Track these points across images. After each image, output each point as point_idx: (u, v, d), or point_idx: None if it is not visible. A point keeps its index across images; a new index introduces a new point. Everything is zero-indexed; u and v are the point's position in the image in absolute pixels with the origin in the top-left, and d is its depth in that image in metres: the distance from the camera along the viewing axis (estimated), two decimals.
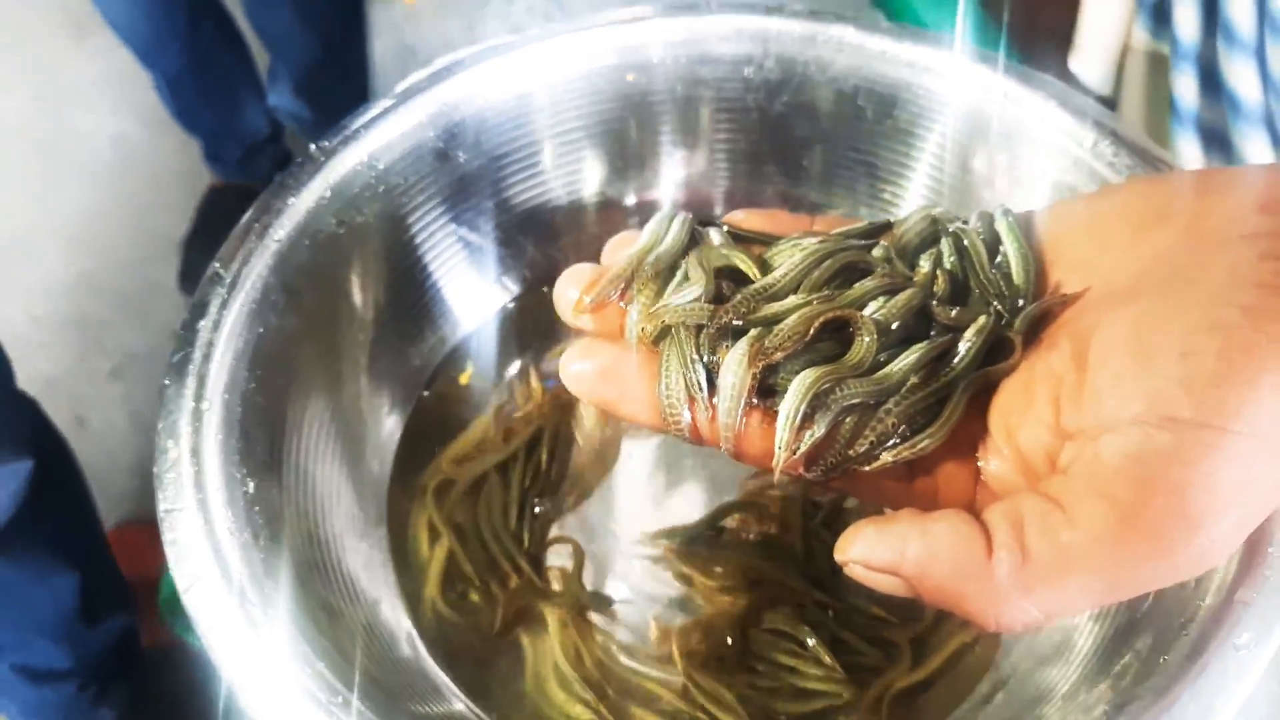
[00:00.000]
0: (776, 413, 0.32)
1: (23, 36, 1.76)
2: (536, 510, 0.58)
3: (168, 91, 1.40)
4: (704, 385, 0.33)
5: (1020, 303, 0.35)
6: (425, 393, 0.60)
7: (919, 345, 0.34)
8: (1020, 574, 0.29)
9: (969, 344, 0.34)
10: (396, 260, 0.57)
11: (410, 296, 0.58)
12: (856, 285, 0.35)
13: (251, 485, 0.44)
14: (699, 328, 0.34)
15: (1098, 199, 0.36)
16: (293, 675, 0.38)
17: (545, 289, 0.37)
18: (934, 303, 0.35)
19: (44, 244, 1.53)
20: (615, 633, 0.55)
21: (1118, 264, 0.33)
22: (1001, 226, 0.37)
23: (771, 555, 0.55)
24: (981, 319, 0.34)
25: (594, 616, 0.55)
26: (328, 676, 0.38)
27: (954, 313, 0.35)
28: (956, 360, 0.34)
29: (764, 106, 0.59)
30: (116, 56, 1.49)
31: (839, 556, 0.32)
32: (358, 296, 0.55)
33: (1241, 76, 0.61)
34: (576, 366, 0.35)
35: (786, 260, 0.36)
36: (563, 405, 0.60)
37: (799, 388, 0.32)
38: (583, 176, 0.61)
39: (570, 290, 0.36)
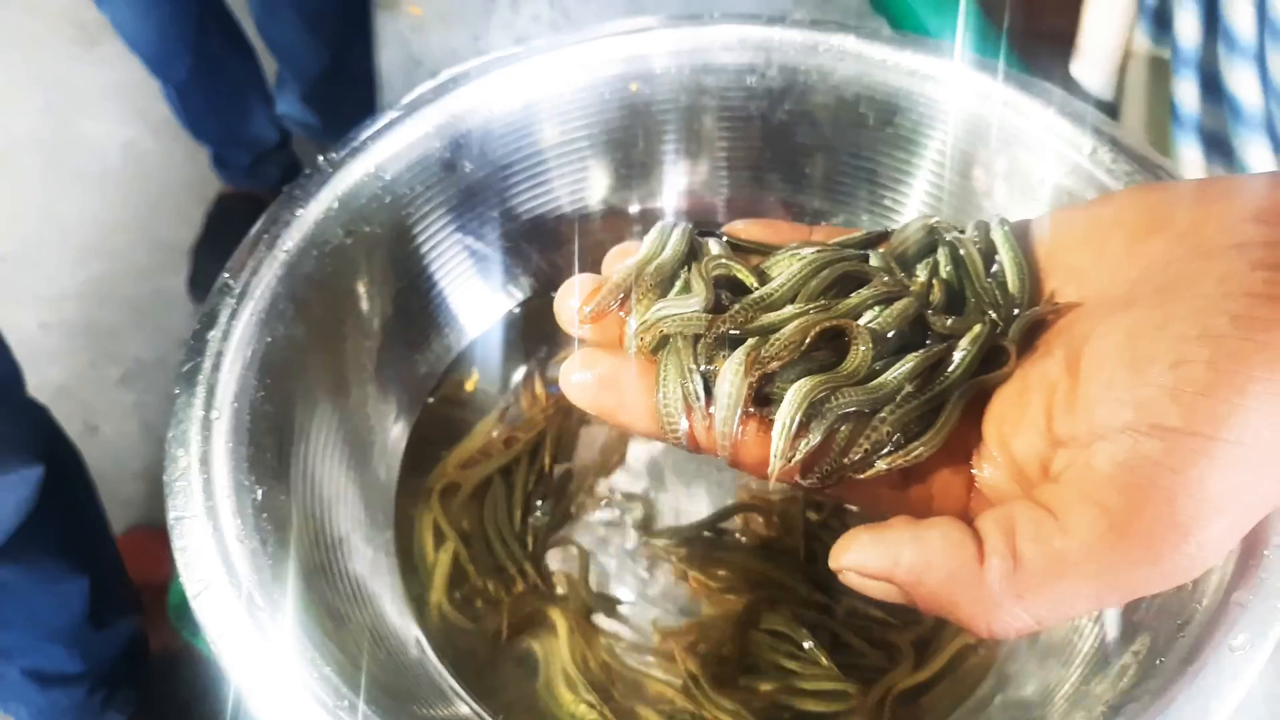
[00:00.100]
0: (773, 421, 0.33)
1: (32, 46, 1.77)
2: (539, 513, 0.59)
3: (176, 100, 1.40)
4: (701, 394, 0.34)
5: (1016, 311, 0.35)
6: (431, 399, 0.60)
7: (914, 354, 0.34)
8: (1012, 580, 0.29)
9: (964, 352, 0.34)
10: (403, 269, 0.57)
11: (417, 305, 0.59)
12: (853, 294, 0.36)
13: (260, 492, 0.44)
14: (697, 337, 0.35)
15: (1093, 208, 0.37)
16: (300, 680, 0.39)
17: (550, 295, 0.38)
18: (930, 312, 0.36)
19: (54, 252, 1.54)
20: (619, 634, 0.55)
21: (1112, 273, 0.33)
22: (997, 236, 0.37)
23: (773, 557, 0.56)
24: (977, 328, 0.35)
25: (598, 619, 0.56)
26: (334, 681, 0.39)
27: (949, 321, 0.35)
28: (951, 368, 0.34)
29: (766, 115, 0.59)
30: (125, 65, 1.50)
31: (834, 564, 0.32)
32: (365, 305, 0.55)
33: (1242, 81, 0.61)
34: (577, 376, 0.35)
35: (784, 270, 0.37)
36: (566, 410, 0.61)
37: (795, 396, 0.33)
38: (587, 185, 0.62)
39: (570, 300, 0.37)
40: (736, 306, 0.35)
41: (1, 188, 1.62)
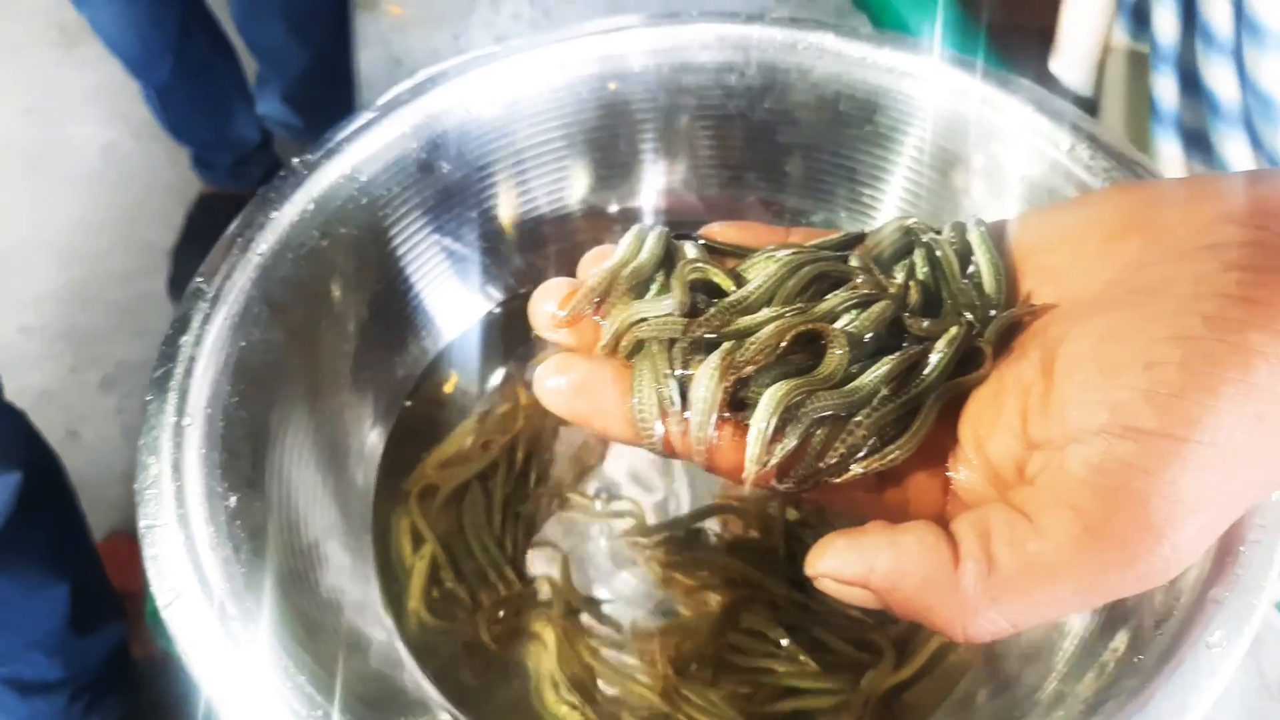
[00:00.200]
0: (748, 426, 0.33)
1: (13, 49, 1.76)
2: (519, 514, 0.58)
3: (158, 102, 1.40)
4: (676, 399, 0.33)
5: (992, 313, 0.35)
6: (409, 402, 0.60)
7: (890, 357, 0.34)
8: (986, 584, 0.29)
9: (940, 355, 0.34)
10: (380, 272, 0.57)
11: (394, 307, 0.58)
12: (829, 297, 0.35)
13: (234, 499, 0.44)
14: (672, 342, 0.34)
15: (1069, 209, 0.36)
16: (273, 689, 0.38)
17: (529, 296, 0.37)
18: (906, 314, 0.35)
19: (35, 255, 1.53)
20: (599, 635, 0.55)
21: (1087, 274, 0.33)
22: (974, 237, 0.37)
23: (753, 557, 0.56)
24: (953, 330, 0.35)
25: (579, 620, 0.55)
26: (308, 689, 0.39)
27: (926, 324, 0.35)
28: (927, 371, 0.34)
29: (746, 113, 0.59)
30: (106, 67, 1.49)
31: (809, 570, 0.32)
32: (341, 308, 0.55)
33: (1219, 77, 0.61)
34: (551, 382, 0.35)
35: (760, 272, 0.36)
36: (544, 411, 0.60)
37: (770, 401, 0.32)
38: (566, 185, 0.61)
39: (546, 304, 0.37)
40: (712, 310, 0.35)
41: None
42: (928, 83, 0.55)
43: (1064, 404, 0.30)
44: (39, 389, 1.39)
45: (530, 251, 0.62)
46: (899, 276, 0.37)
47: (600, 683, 0.54)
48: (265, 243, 0.50)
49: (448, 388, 0.61)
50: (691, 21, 0.57)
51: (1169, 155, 0.68)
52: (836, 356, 0.34)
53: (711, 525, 0.58)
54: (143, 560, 0.40)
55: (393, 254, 0.57)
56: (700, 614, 0.54)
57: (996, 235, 0.37)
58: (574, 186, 0.61)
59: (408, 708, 0.48)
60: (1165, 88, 0.66)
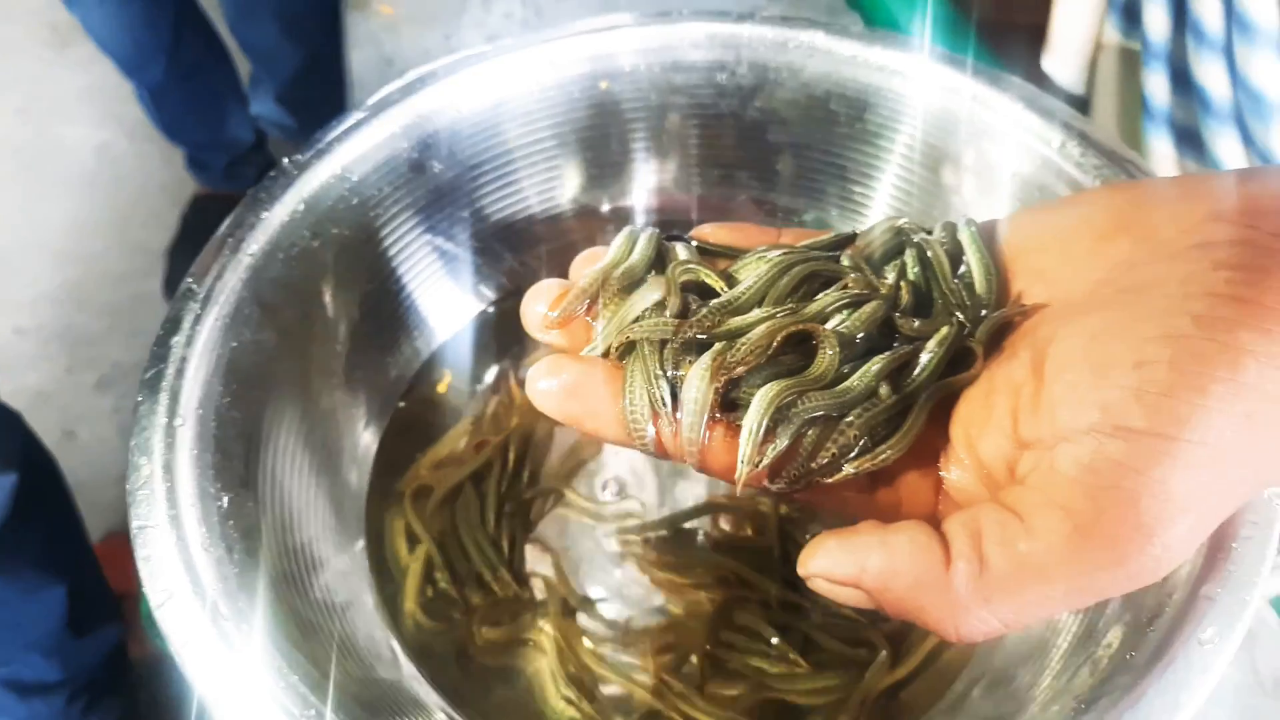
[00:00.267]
0: (740, 426, 0.33)
1: (5, 49, 1.76)
2: (513, 514, 0.58)
3: (151, 103, 1.40)
4: (668, 400, 0.33)
5: (983, 313, 0.35)
6: (402, 403, 0.60)
7: (881, 356, 0.34)
8: (978, 584, 0.29)
9: (931, 354, 0.34)
10: (372, 272, 0.57)
11: (386, 307, 0.58)
12: (820, 297, 0.35)
13: (226, 500, 0.43)
14: (663, 343, 0.34)
15: (1059, 209, 0.36)
16: (266, 689, 0.38)
17: (522, 296, 0.37)
18: (897, 314, 0.35)
19: (29, 256, 1.53)
20: (593, 634, 0.55)
21: (1077, 274, 0.33)
22: (964, 237, 0.37)
23: (745, 556, 0.56)
24: (944, 330, 0.35)
25: (574, 619, 0.55)
26: (301, 689, 0.39)
27: (917, 324, 0.35)
28: (918, 371, 0.34)
29: (737, 112, 0.59)
30: (99, 68, 1.49)
31: (801, 570, 0.32)
32: (333, 309, 0.55)
33: (1210, 74, 0.61)
34: (543, 384, 0.35)
35: (751, 273, 0.36)
36: (537, 411, 0.60)
37: (762, 402, 0.32)
38: (558, 184, 0.61)
39: (537, 305, 0.37)
40: (703, 311, 0.35)
41: None
42: (918, 81, 0.55)
43: (1054, 403, 0.30)
44: (35, 390, 1.39)
45: (522, 251, 0.62)
46: (890, 277, 0.37)
47: (596, 682, 0.54)
48: (256, 243, 0.50)
49: (441, 388, 0.62)
50: (682, 20, 0.57)
51: (1161, 152, 0.68)
52: (828, 357, 0.34)
53: (704, 524, 0.58)
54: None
55: (384, 254, 0.57)
56: (693, 612, 0.54)
57: (987, 235, 0.37)
58: (565, 186, 0.61)
59: (403, 708, 0.48)
60: (1156, 85, 0.66)
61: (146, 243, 1.51)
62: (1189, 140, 0.67)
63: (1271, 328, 0.27)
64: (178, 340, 0.46)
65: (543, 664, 0.54)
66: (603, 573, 0.57)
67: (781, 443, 0.32)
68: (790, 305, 0.35)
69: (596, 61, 0.58)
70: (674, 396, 0.34)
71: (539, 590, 0.57)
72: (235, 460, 0.46)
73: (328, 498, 0.53)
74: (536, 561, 0.58)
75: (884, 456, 0.33)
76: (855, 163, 0.58)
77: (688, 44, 0.58)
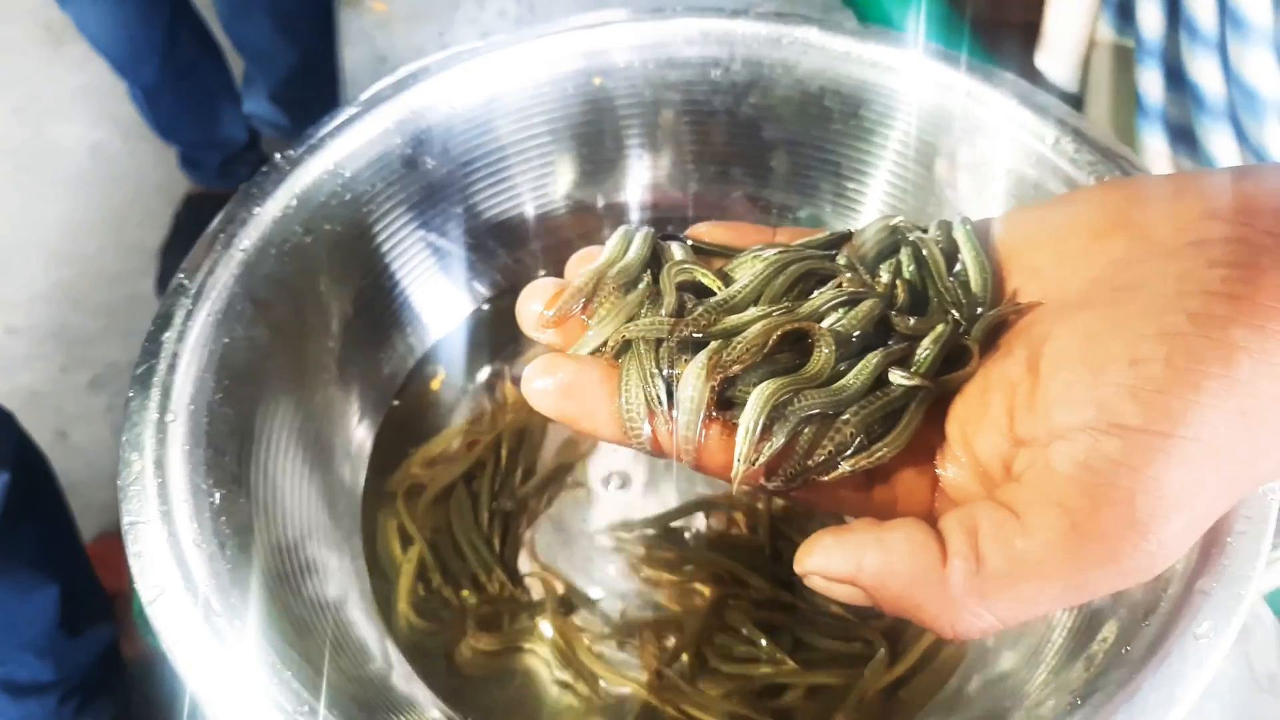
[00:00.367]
0: (736, 425, 0.33)
1: (0, 49, 1.76)
2: (506, 512, 0.58)
3: (145, 102, 1.39)
4: (664, 399, 0.33)
5: (978, 311, 0.35)
6: (396, 401, 0.60)
7: (876, 354, 0.34)
8: (974, 581, 0.29)
9: (926, 352, 0.34)
10: (365, 268, 0.57)
11: (380, 304, 0.58)
12: (816, 295, 0.35)
13: (218, 496, 0.43)
14: (659, 341, 0.34)
15: (1054, 207, 0.37)
16: (259, 685, 0.38)
17: (516, 294, 0.37)
18: (893, 312, 0.35)
19: (23, 256, 1.53)
20: (589, 630, 0.55)
21: (1072, 272, 0.33)
22: (959, 235, 0.37)
23: (738, 553, 0.56)
24: (939, 327, 0.35)
25: (569, 616, 0.55)
26: (294, 685, 0.38)
27: (912, 322, 0.35)
28: (914, 369, 0.34)
29: (731, 109, 0.59)
30: (93, 67, 1.48)
31: (798, 568, 0.32)
32: (326, 305, 0.55)
33: (1204, 71, 0.61)
34: (539, 383, 0.35)
35: (747, 271, 0.36)
36: (531, 409, 0.60)
37: (758, 400, 0.32)
38: (552, 181, 0.61)
39: (533, 304, 0.37)
40: (700, 309, 0.35)
41: None
42: (912, 77, 0.55)
43: (1049, 401, 0.30)
44: (28, 390, 1.38)
45: (516, 248, 0.62)
46: (885, 275, 0.37)
47: (592, 676, 0.53)
48: (248, 239, 0.50)
49: (435, 385, 0.61)
50: (676, 16, 0.57)
51: (1155, 150, 0.68)
52: (824, 355, 0.34)
53: (697, 521, 0.58)
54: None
55: (377, 250, 0.57)
56: (686, 609, 0.54)
57: (982, 233, 0.37)
58: (559, 182, 0.61)
59: (398, 704, 0.48)
60: (1150, 82, 0.67)
61: (141, 242, 1.51)
62: (1183, 138, 0.67)
63: (1266, 325, 0.27)
64: (169, 336, 0.46)
65: (537, 658, 0.54)
66: (596, 569, 0.57)
67: (778, 441, 0.32)
68: (786, 304, 0.35)
69: (590, 58, 0.58)
70: (670, 395, 0.34)
71: (533, 587, 0.57)
72: (227, 456, 0.46)
73: (321, 495, 0.53)
74: (530, 559, 0.57)
75: (880, 454, 0.33)
76: (849, 159, 0.58)
77: (681, 40, 0.58)
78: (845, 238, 0.39)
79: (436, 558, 0.56)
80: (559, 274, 0.38)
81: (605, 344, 0.35)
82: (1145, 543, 0.28)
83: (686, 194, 0.62)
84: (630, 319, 0.35)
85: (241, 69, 1.48)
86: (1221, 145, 0.62)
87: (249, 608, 0.40)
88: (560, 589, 0.56)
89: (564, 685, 0.53)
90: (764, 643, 0.53)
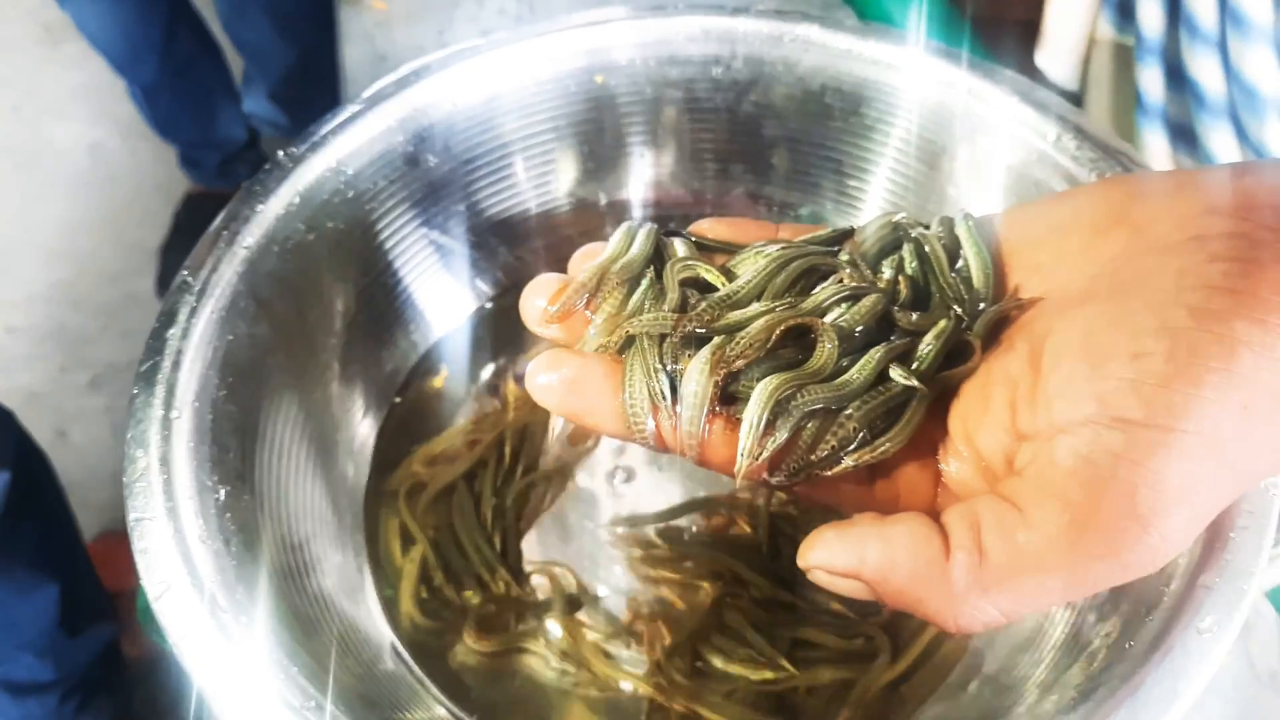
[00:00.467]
0: (739, 420, 0.33)
1: None
2: (508, 510, 0.58)
3: (144, 101, 1.39)
4: (667, 394, 0.34)
5: (980, 306, 0.35)
6: (399, 398, 0.60)
7: (879, 349, 0.34)
8: (977, 575, 0.29)
9: (928, 348, 0.34)
10: (368, 266, 0.57)
11: (382, 302, 0.58)
12: (819, 290, 0.36)
13: (223, 492, 0.43)
14: (662, 337, 0.34)
15: (1055, 203, 0.37)
16: (265, 681, 0.38)
17: (518, 291, 0.38)
18: (895, 308, 0.36)
19: (22, 256, 1.53)
20: (590, 627, 0.55)
21: (1074, 268, 0.33)
22: (961, 231, 0.37)
23: (738, 551, 0.56)
24: (942, 323, 0.35)
25: (572, 613, 0.55)
26: (301, 681, 0.38)
27: (915, 317, 0.35)
28: (916, 364, 0.34)
29: (732, 106, 0.59)
30: (92, 66, 1.48)
31: (801, 562, 0.32)
32: (329, 303, 0.55)
33: (1204, 69, 0.61)
34: (543, 378, 0.35)
35: (750, 268, 0.37)
36: (535, 405, 0.60)
37: (761, 395, 0.32)
38: (553, 178, 0.61)
39: (536, 300, 0.37)
40: (703, 305, 0.35)
41: None
42: (913, 75, 0.55)
43: (1051, 396, 0.30)
44: (27, 389, 1.38)
45: (518, 245, 0.62)
46: (887, 271, 0.37)
47: (595, 673, 0.54)
48: (251, 236, 0.50)
49: (437, 383, 0.61)
50: (677, 14, 0.58)
51: (1155, 148, 0.68)
52: (826, 350, 0.34)
53: (700, 520, 0.58)
54: (132, 554, 0.40)
55: (380, 248, 0.57)
56: (690, 607, 0.54)
57: (984, 230, 0.37)
58: (561, 180, 0.61)
59: (402, 701, 0.48)
60: (1150, 80, 0.67)
61: (140, 241, 1.51)
62: (1183, 135, 0.67)
63: (1266, 319, 0.27)
64: (173, 333, 0.46)
65: (542, 660, 0.54)
66: (597, 566, 0.57)
67: (781, 435, 0.33)
68: (789, 299, 0.35)
69: (592, 55, 0.58)
70: (674, 390, 0.34)
71: (535, 585, 0.57)
72: (232, 453, 0.46)
73: (325, 491, 0.53)
74: (532, 556, 0.57)
75: (883, 449, 0.33)
76: (851, 157, 0.58)
77: (683, 38, 0.58)
78: (848, 234, 0.39)
79: (439, 557, 0.56)
80: (562, 271, 0.38)
81: (609, 340, 0.35)
82: (1147, 536, 0.28)
83: (688, 191, 0.63)
84: (634, 314, 0.35)
85: (241, 68, 1.48)
86: (1221, 143, 0.62)
87: (255, 604, 0.40)
88: (565, 587, 0.56)
89: (569, 683, 0.53)
90: (759, 640, 0.53)
